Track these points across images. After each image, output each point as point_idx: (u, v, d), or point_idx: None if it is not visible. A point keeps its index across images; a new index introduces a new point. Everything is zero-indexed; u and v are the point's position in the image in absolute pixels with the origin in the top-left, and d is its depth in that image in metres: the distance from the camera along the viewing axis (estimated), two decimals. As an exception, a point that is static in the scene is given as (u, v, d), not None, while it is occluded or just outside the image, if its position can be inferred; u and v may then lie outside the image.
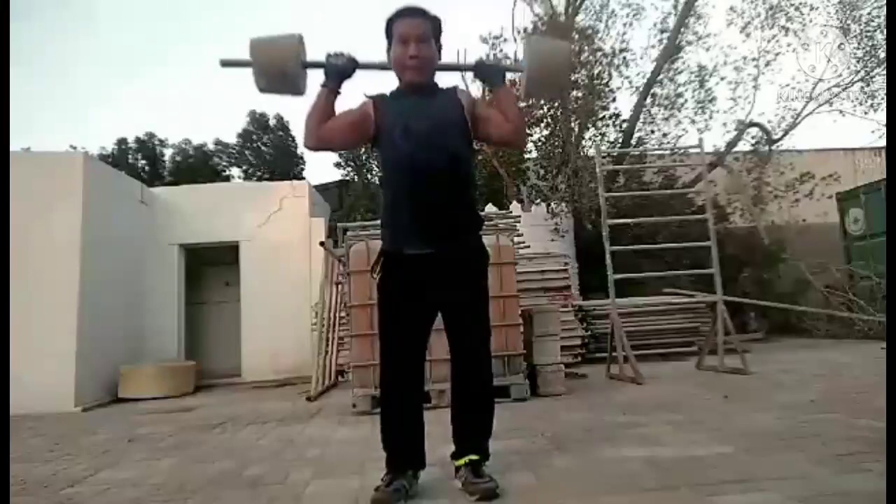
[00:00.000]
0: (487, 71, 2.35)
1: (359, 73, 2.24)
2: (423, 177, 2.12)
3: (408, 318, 2.20)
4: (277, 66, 2.21)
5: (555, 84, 2.46)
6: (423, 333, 2.24)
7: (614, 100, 9.95)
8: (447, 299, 2.22)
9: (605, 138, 10.02)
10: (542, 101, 9.70)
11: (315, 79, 2.24)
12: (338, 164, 12.74)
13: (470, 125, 2.22)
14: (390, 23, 2.21)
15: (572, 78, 9.58)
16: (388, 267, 2.23)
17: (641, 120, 10.30)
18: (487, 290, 2.31)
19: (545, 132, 9.92)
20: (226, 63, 2.29)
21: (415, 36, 2.16)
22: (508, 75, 2.38)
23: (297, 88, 2.28)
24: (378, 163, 2.60)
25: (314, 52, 2.27)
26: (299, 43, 2.24)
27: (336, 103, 2.22)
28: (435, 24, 2.23)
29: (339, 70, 2.19)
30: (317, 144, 2.21)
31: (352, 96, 2.29)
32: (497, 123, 2.25)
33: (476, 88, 10.11)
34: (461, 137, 2.21)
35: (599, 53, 9.91)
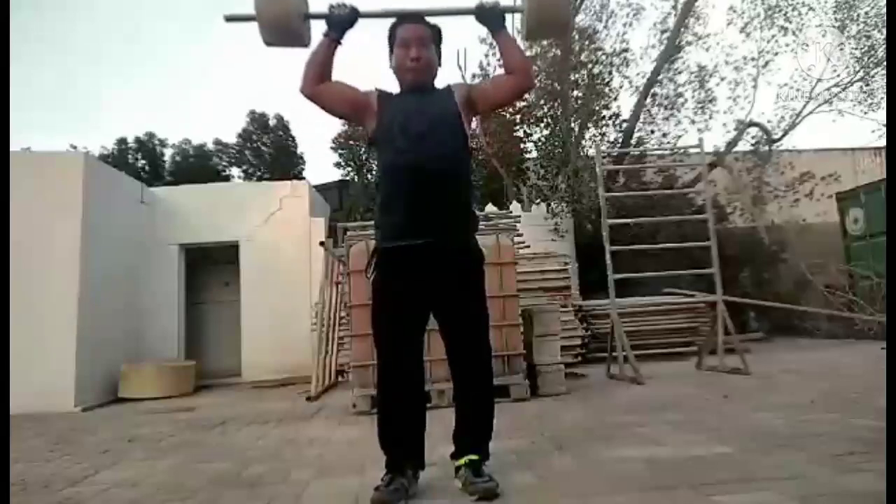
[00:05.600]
0: (487, 14, 2.26)
1: (365, 59, 2.29)
2: (419, 177, 2.13)
3: (403, 317, 2.20)
4: (281, 19, 2.26)
5: (556, 23, 2.38)
6: (419, 332, 2.25)
7: (616, 98, 9.96)
8: (444, 299, 2.21)
9: (605, 138, 10.04)
10: (542, 101, 9.73)
11: (318, 28, 2.29)
12: (338, 164, 12.74)
13: (465, 119, 2.24)
14: (393, 29, 2.27)
15: (572, 78, 9.60)
16: (382, 265, 2.23)
17: (641, 120, 10.32)
18: (484, 290, 2.31)
19: (545, 132, 9.93)
20: (230, 18, 2.35)
21: (415, 39, 2.22)
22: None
23: (301, 41, 2.33)
24: (376, 163, 2.57)
25: (317, 3, 2.32)
26: None
27: (337, 53, 2.26)
28: (435, 32, 2.29)
29: (342, 20, 2.22)
30: (311, 94, 2.25)
31: (353, 79, 2.32)
32: (497, 87, 2.35)
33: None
34: (458, 137, 2.23)
35: (600, 53, 9.91)
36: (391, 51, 2.29)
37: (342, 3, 2.24)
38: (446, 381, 2.93)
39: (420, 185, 2.13)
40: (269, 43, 2.33)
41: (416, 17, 2.26)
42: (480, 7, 2.26)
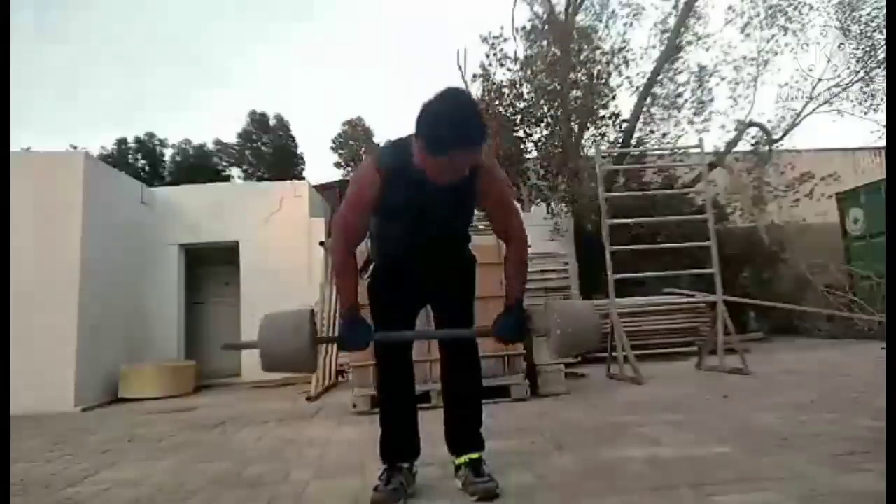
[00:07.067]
0: (510, 337, 2.14)
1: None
2: (421, 245, 2.13)
3: (400, 318, 2.23)
4: (290, 354, 2.03)
5: (583, 346, 2.23)
6: (412, 328, 2.30)
7: (613, 97, 9.94)
8: (437, 296, 2.28)
9: (605, 138, 10.03)
10: (543, 101, 9.74)
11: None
12: (338, 164, 12.78)
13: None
14: (442, 143, 1.75)
15: (572, 77, 9.59)
16: (378, 270, 2.28)
17: (641, 120, 10.30)
18: (474, 287, 2.34)
19: (545, 132, 9.92)
20: (228, 347, 2.28)
21: (464, 163, 1.83)
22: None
23: (310, 368, 2.15)
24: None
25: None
26: (311, 324, 2.07)
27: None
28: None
29: (353, 347, 2.12)
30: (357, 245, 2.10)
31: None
32: (498, 235, 2.18)
33: (476, 88, 10.18)
34: (469, 216, 2.20)
35: (599, 52, 9.91)
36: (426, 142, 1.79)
37: (352, 319, 2.03)
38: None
39: (420, 252, 2.15)
40: (268, 370, 2.11)
41: (474, 141, 1.79)
42: (499, 330, 2.09)
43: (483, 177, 1.97)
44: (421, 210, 1.98)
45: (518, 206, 2.22)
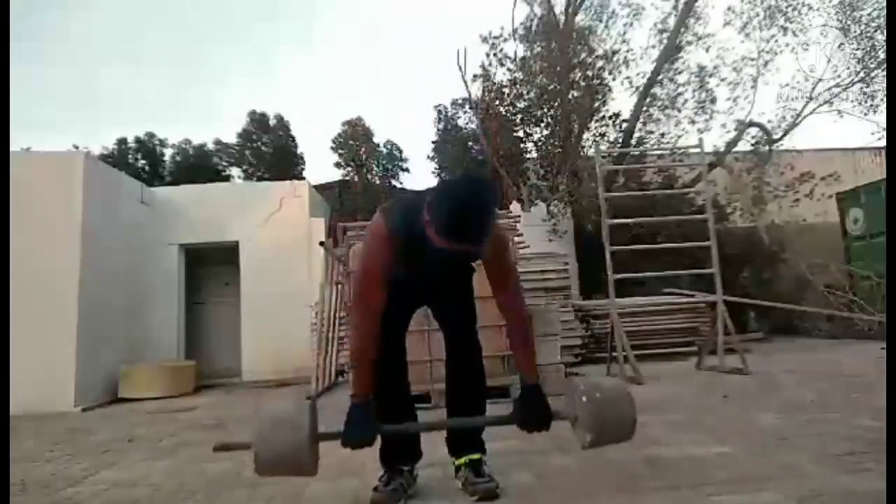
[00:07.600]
0: (536, 426, 2.10)
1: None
2: (423, 279, 2.17)
3: (398, 319, 2.24)
4: (288, 451, 1.83)
5: (620, 419, 1.98)
6: (407, 327, 2.32)
7: (604, 102, 9.91)
8: (437, 299, 2.31)
9: (605, 138, 10.03)
10: (542, 101, 9.74)
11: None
12: (338, 165, 12.75)
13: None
14: (448, 235, 1.72)
15: (571, 78, 9.58)
16: None
17: (641, 120, 10.30)
18: (472, 288, 2.35)
19: (545, 132, 9.92)
20: (219, 448, 2.05)
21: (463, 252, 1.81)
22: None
23: (308, 470, 1.90)
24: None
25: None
26: (312, 420, 1.89)
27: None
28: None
29: (357, 445, 1.94)
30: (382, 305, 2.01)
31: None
32: (496, 296, 2.09)
33: (477, 88, 10.18)
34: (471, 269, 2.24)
35: (595, 55, 9.91)
36: (437, 211, 1.73)
37: (362, 437, 1.94)
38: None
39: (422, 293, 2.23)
40: (262, 474, 1.90)
41: (479, 239, 1.75)
42: (519, 417, 2.08)
43: (490, 241, 1.92)
44: (427, 264, 1.93)
45: (518, 271, 2.19)
